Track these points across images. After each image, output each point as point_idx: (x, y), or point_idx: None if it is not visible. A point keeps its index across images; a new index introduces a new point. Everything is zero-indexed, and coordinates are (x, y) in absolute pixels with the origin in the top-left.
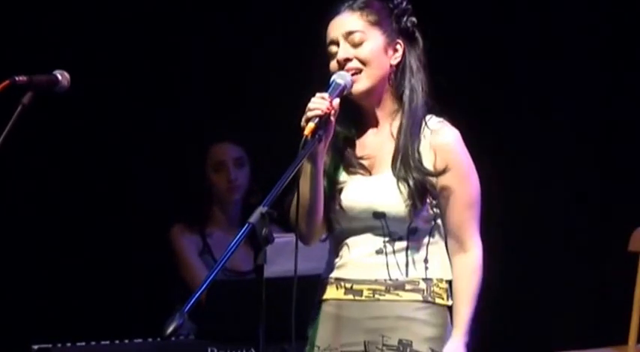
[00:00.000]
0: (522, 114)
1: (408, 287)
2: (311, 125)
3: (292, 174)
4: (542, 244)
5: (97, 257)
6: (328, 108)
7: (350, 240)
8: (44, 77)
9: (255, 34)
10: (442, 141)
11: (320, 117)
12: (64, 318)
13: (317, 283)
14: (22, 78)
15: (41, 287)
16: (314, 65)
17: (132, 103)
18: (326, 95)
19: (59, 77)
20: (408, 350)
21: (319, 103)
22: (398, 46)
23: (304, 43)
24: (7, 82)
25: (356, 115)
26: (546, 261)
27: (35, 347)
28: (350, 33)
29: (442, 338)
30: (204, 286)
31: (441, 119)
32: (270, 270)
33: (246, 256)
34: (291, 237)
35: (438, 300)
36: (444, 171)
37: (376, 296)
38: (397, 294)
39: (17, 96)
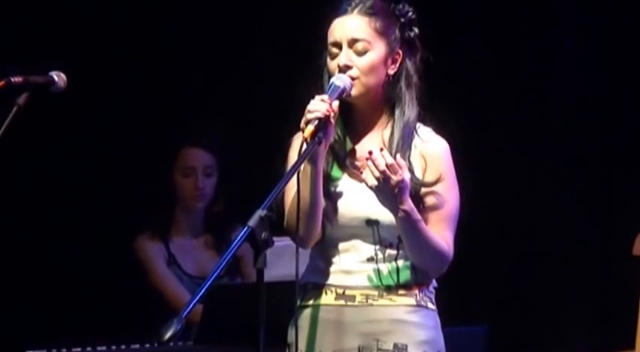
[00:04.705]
0: (522, 115)
1: (400, 291)
2: (310, 127)
3: (291, 177)
4: (545, 248)
5: (93, 259)
6: (328, 111)
7: (339, 247)
8: (40, 78)
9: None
10: (434, 152)
11: (320, 119)
12: (59, 323)
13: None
14: (17, 78)
15: (35, 292)
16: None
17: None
18: (325, 97)
19: (55, 78)
20: None
21: (319, 105)
22: (397, 57)
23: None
24: (2, 82)
25: (349, 118)
26: (549, 265)
27: None
28: (355, 40)
29: (435, 341)
30: (202, 292)
31: (429, 128)
32: (269, 274)
33: (212, 261)
34: (290, 241)
35: (429, 305)
36: (434, 182)
37: (369, 301)
38: (390, 299)
39: (12, 97)
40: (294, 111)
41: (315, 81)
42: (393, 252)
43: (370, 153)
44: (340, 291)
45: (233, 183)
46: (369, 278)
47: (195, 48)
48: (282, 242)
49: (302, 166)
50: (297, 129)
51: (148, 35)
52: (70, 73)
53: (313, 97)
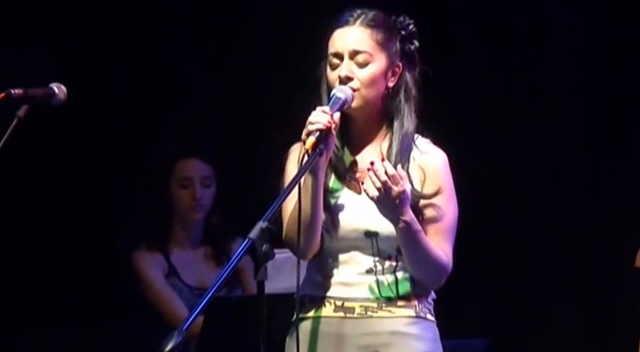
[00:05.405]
0: (523, 126)
1: (400, 303)
2: (312, 139)
3: (292, 188)
4: (545, 261)
5: (89, 272)
6: (329, 122)
7: (339, 258)
8: (40, 90)
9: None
10: (432, 164)
11: (321, 130)
12: (54, 336)
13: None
14: (17, 91)
15: (30, 303)
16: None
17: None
18: (327, 108)
19: (55, 90)
20: None
21: (320, 117)
22: (397, 69)
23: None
24: (2, 94)
25: (347, 131)
26: (550, 277)
27: None
28: (357, 52)
29: None
30: (202, 305)
31: (427, 140)
32: (270, 287)
33: (212, 272)
34: (290, 253)
35: (428, 316)
36: (433, 194)
37: (369, 313)
38: (390, 311)
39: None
40: (292, 122)
41: (313, 91)
42: (392, 263)
43: (372, 163)
44: (339, 303)
45: (231, 194)
46: (371, 290)
47: (193, 59)
48: (283, 254)
49: (302, 178)
50: (296, 140)
51: (143, 41)
52: (63, 80)
53: (314, 108)
